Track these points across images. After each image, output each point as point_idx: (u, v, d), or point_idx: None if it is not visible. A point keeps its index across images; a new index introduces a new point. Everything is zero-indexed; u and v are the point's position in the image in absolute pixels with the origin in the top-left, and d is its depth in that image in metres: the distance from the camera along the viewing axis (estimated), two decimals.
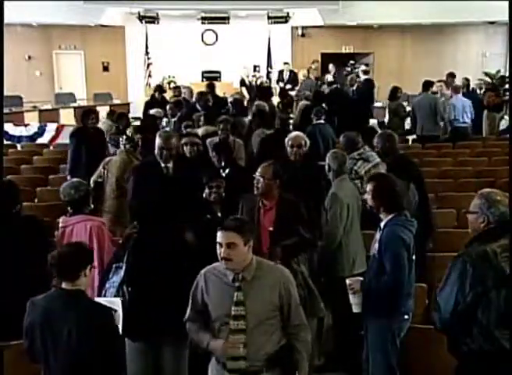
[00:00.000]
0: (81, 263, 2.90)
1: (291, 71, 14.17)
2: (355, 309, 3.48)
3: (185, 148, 5.32)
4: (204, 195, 4.19)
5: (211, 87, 9.94)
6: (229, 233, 2.79)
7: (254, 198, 3.97)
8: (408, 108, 10.17)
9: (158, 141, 4.74)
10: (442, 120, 9.42)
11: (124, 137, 5.97)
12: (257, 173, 3.95)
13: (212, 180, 4.20)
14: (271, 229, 3.78)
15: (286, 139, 5.06)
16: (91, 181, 5.63)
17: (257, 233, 3.46)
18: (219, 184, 4.19)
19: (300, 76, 13.61)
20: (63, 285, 2.89)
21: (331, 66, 13.23)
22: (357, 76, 11.55)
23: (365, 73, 11.66)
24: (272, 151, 5.31)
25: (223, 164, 5.10)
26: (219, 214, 4.12)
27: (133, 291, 3.37)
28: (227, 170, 5.01)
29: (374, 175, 3.69)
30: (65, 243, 3.78)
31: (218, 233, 2.82)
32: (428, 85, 9.64)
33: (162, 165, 4.74)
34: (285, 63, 14.59)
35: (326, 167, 4.60)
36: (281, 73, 14.35)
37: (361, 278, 3.55)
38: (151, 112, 8.57)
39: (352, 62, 14.70)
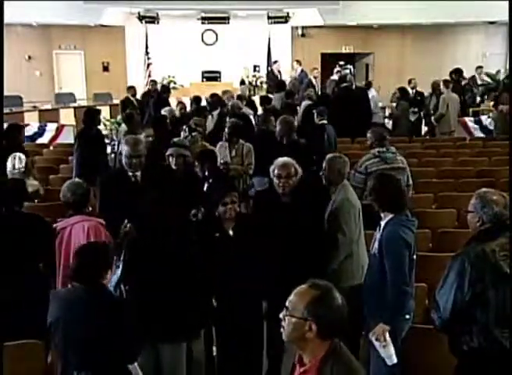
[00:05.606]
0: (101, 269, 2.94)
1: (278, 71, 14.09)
2: (390, 362, 3.28)
3: (170, 159, 4.93)
4: (217, 214, 3.62)
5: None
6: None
7: None
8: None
9: (125, 148, 4.30)
10: None
11: (188, 129, 6.08)
12: (286, 312, 2.01)
13: (225, 196, 3.59)
14: None
15: (272, 167, 4.13)
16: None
17: None
18: (234, 199, 3.61)
19: (292, 74, 13.50)
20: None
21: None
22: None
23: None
24: None
25: (207, 174, 4.80)
26: (231, 232, 3.64)
27: (130, 290, 3.38)
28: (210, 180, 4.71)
29: (375, 174, 3.66)
30: (64, 244, 3.81)
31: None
32: None
33: (130, 174, 4.33)
34: (275, 62, 14.43)
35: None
36: (271, 72, 14.17)
37: (384, 327, 3.31)
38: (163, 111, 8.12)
39: (342, 62, 14.06)
